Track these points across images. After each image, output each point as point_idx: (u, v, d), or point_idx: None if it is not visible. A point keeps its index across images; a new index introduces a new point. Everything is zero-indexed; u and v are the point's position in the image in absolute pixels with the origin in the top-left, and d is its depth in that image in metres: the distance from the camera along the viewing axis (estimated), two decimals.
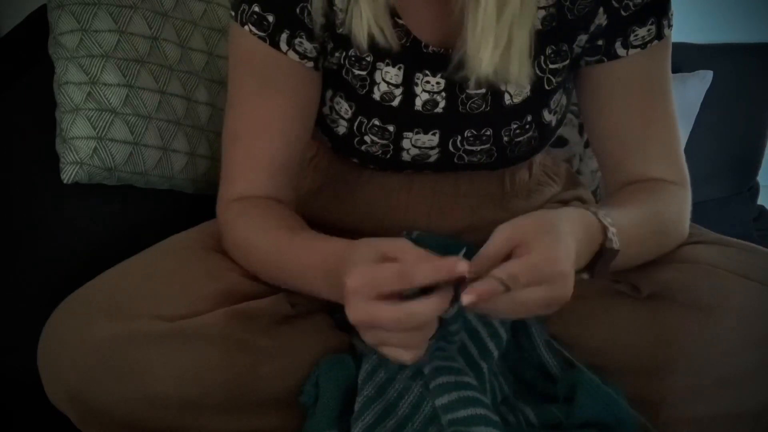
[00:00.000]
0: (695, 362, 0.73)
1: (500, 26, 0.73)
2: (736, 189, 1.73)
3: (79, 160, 0.94)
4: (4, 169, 0.96)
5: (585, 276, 0.70)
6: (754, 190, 1.76)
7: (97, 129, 0.95)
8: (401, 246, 0.63)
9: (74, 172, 0.94)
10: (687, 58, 1.57)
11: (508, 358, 0.79)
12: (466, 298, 0.60)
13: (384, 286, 0.61)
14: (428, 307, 0.61)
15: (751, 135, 1.71)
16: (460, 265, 0.60)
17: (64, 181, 0.94)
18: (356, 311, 0.62)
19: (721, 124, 1.65)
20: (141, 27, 1.02)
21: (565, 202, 0.97)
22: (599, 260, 0.70)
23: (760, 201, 1.77)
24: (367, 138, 0.85)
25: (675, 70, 0.85)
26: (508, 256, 0.63)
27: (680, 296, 0.76)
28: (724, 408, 0.72)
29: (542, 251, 0.62)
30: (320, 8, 0.78)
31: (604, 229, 0.70)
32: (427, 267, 0.61)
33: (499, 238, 0.64)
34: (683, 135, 1.31)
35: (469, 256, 0.71)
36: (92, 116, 0.95)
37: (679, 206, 0.83)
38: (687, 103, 1.54)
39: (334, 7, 0.78)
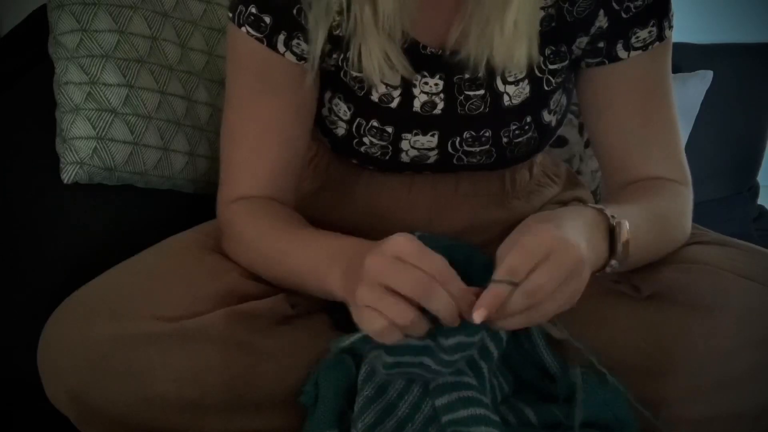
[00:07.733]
0: (695, 362, 0.73)
1: (508, 12, 0.73)
2: (736, 189, 1.73)
3: (79, 160, 0.93)
4: (4, 169, 0.96)
5: (614, 263, 0.70)
6: (754, 190, 1.76)
7: (97, 129, 0.95)
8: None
9: (74, 172, 0.94)
10: (687, 58, 1.57)
11: (508, 358, 0.78)
12: (477, 316, 0.59)
13: (430, 265, 0.60)
14: (446, 299, 0.60)
15: (751, 135, 1.72)
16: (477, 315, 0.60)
17: (64, 181, 0.94)
18: (382, 258, 0.61)
19: (721, 124, 1.65)
20: (141, 27, 1.02)
21: (564, 203, 0.97)
22: (615, 240, 0.70)
23: (760, 201, 1.77)
24: (366, 139, 0.85)
25: (675, 70, 0.86)
26: None
27: (680, 296, 0.76)
28: (724, 408, 0.72)
29: (529, 233, 0.63)
30: (323, 12, 0.76)
31: (600, 210, 0.70)
32: (459, 287, 0.61)
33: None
34: (683, 135, 1.31)
35: (471, 256, 0.71)
36: (92, 116, 0.95)
37: (681, 204, 0.82)
38: (687, 103, 1.54)
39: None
